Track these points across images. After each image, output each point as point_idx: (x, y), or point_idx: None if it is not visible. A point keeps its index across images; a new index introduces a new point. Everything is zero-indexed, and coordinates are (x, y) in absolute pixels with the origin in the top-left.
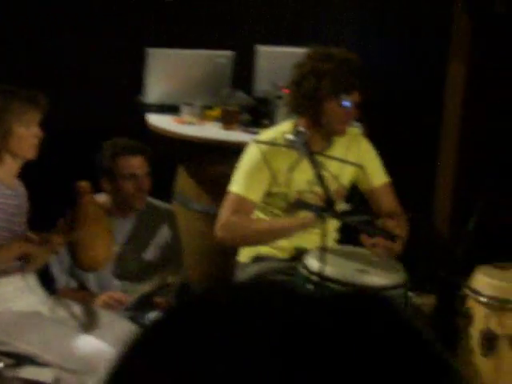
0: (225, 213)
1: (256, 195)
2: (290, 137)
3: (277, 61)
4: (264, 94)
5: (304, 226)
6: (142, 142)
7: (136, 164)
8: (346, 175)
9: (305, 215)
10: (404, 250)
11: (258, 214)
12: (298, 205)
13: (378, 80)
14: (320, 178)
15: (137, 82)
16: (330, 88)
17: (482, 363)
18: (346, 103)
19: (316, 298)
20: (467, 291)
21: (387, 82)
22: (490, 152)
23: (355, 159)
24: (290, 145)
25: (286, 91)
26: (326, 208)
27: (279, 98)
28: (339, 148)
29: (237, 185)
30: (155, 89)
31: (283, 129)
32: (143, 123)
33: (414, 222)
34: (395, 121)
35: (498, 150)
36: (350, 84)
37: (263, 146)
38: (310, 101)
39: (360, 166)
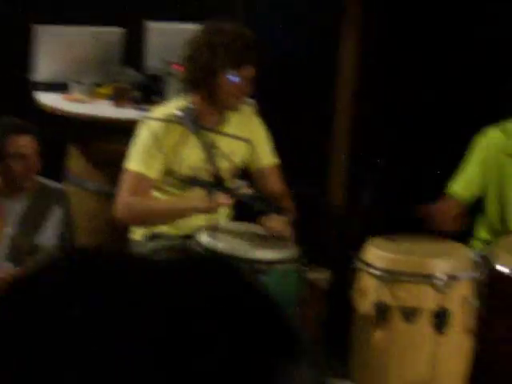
0: (124, 192)
1: (154, 172)
2: (178, 113)
3: (167, 37)
4: (155, 71)
5: (199, 209)
6: (30, 120)
7: (24, 143)
8: (238, 153)
9: (199, 195)
10: (299, 225)
11: (154, 193)
12: (190, 181)
13: (271, 57)
14: (209, 155)
15: (25, 60)
16: (224, 61)
17: (375, 334)
18: (234, 78)
19: (162, 264)
20: (359, 264)
21: (279, 59)
22: (383, 126)
23: (246, 137)
24: (179, 121)
25: (176, 67)
26: (215, 184)
27: (170, 74)
28: (232, 125)
29: (134, 162)
30: (44, 66)
31: (174, 105)
32: (32, 102)
33: (308, 197)
34: (288, 97)
35: (390, 125)
36: (244, 58)
37: (154, 124)
38: (203, 75)
39: (248, 141)
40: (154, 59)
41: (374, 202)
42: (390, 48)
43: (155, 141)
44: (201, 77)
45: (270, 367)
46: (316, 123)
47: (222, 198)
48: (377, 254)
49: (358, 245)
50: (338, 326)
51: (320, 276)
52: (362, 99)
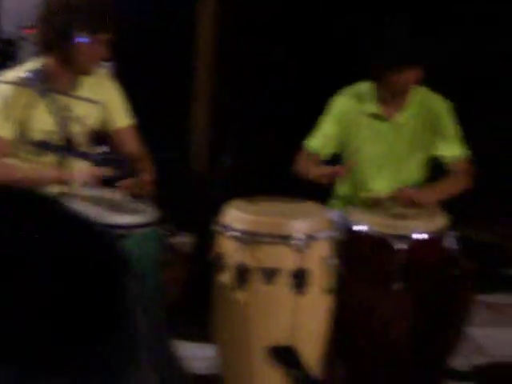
0: None
1: (7, 132)
2: (27, 75)
3: (21, 1)
4: (9, 36)
5: (61, 180)
6: None
7: None
8: (92, 116)
9: (51, 161)
10: (162, 190)
11: (12, 160)
12: (41, 146)
13: (129, 20)
14: (60, 119)
15: None
16: (80, 25)
17: (236, 296)
18: (88, 41)
19: None
20: (219, 227)
21: (138, 22)
22: (243, 90)
23: (100, 100)
24: (27, 84)
25: (28, 32)
26: (67, 149)
27: (23, 39)
28: (86, 88)
29: None
30: None
31: (25, 68)
32: None
33: (170, 161)
34: (147, 61)
35: (252, 86)
36: (101, 22)
37: (3, 87)
38: (57, 37)
39: (100, 104)
40: (8, 23)
41: (236, 165)
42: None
43: (5, 105)
44: (55, 39)
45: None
46: (176, 88)
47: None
48: (236, 215)
49: (220, 208)
50: (200, 290)
51: (183, 240)
52: (223, 62)
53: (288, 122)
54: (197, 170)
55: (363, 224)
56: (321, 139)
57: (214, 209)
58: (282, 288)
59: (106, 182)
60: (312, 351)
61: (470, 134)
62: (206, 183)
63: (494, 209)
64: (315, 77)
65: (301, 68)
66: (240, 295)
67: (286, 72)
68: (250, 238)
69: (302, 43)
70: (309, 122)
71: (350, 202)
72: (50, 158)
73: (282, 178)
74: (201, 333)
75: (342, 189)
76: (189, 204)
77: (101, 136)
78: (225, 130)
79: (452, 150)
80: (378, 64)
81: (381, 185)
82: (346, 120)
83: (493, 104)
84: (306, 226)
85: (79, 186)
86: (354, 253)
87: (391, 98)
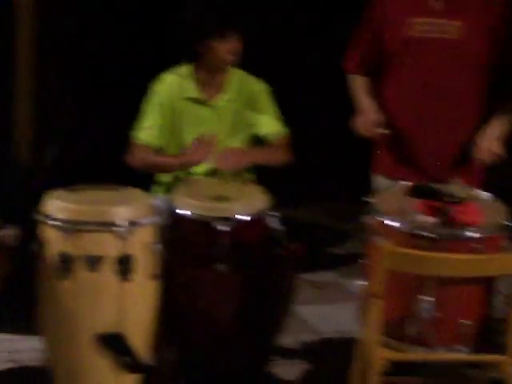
0: None
1: None
2: None
3: None
4: None
5: None
6: None
7: None
8: None
9: None
10: None
11: None
12: None
13: None
14: None
15: None
16: None
17: (61, 286)
18: None
19: None
20: (41, 217)
21: None
22: (65, 86)
23: None
24: None
25: None
26: None
27: None
28: None
29: None
30: None
31: None
32: None
33: None
34: None
35: (74, 81)
36: None
37: None
38: None
39: None
40: None
41: (60, 156)
42: None
43: None
44: None
45: None
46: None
47: None
48: (58, 205)
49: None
50: (25, 281)
51: (7, 232)
52: (44, 51)
53: (113, 114)
54: (20, 162)
55: (186, 208)
56: (149, 131)
57: (37, 200)
58: (107, 275)
59: None
60: (140, 337)
61: (286, 116)
62: (29, 175)
63: (316, 189)
64: (140, 71)
65: (124, 64)
66: (64, 284)
67: (110, 68)
68: (72, 227)
69: (125, 39)
70: (132, 111)
71: (173, 187)
72: None
73: (106, 167)
74: (28, 325)
75: (164, 174)
76: (12, 196)
77: None
78: (49, 123)
79: (271, 127)
80: (200, 29)
81: (203, 168)
82: (168, 107)
83: (306, 85)
84: (128, 212)
85: None
86: (178, 237)
87: (210, 78)
